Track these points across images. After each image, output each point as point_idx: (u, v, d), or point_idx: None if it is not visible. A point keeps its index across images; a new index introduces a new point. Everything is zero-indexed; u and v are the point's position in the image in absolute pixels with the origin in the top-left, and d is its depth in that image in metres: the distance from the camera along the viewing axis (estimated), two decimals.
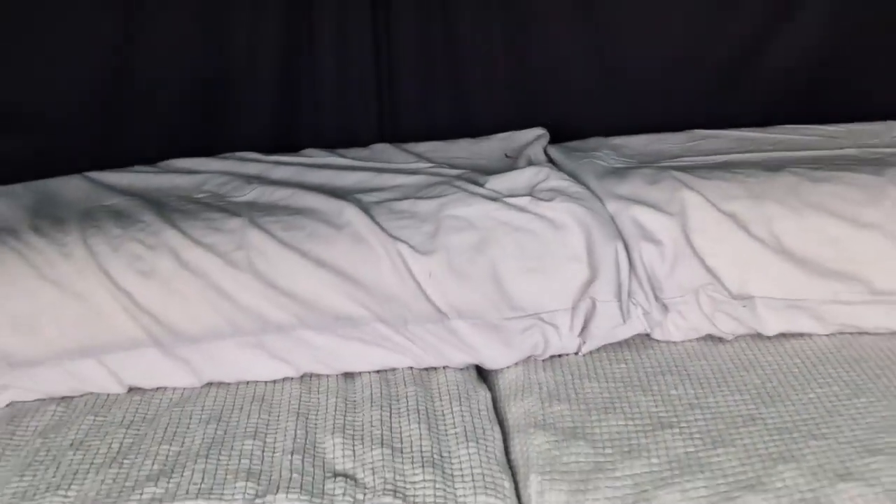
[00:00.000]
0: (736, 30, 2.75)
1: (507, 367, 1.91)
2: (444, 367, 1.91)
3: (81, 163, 2.48)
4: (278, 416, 1.77)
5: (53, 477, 1.62)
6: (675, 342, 1.95)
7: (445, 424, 1.75)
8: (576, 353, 1.92)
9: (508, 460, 1.69)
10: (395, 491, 1.56)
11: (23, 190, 2.28)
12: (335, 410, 1.79)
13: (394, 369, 1.90)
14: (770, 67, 2.75)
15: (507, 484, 1.60)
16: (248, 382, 1.88)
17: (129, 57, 2.60)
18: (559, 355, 1.92)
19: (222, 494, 1.55)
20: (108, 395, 1.86)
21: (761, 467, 1.55)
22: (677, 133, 2.51)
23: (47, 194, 2.25)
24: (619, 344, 1.94)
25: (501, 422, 1.79)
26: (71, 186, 2.28)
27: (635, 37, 2.72)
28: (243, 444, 1.68)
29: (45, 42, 2.62)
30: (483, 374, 1.94)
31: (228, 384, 1.88)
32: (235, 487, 1.57)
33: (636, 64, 2.73)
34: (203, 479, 1.59)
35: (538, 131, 2.46)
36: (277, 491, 1.55)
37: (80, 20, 2.59)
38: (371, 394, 1.84)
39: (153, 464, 1.64)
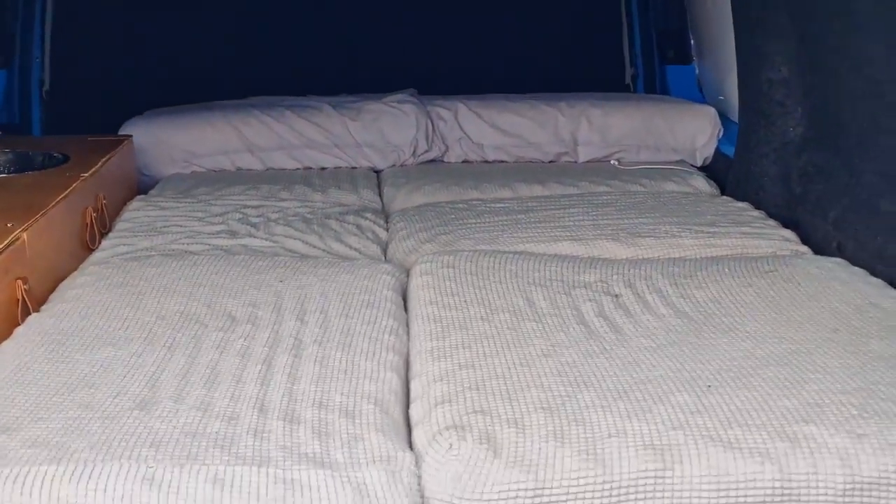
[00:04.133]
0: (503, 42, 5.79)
1: (385, 168, 4.91)
2: (360, 167, 4.92)
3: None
4: (295, 175, 4.76)
5: (222, 184, 4.60)
6: (450, 162, 4.97)
7: (359, 181, 4.70)
8: (412, 163, 4.92)
9: (380, 192, 4.65)
10: (337, 188, 4.53)
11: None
12: (318, 175, 4.78)
13: (339, 167, 4.91)
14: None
15: (376, 189, 4.59)
16: (283, 168, 4.88)
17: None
18: (404, 164, 4.93)
19: (278, 184, 4.52)
20: (227, 170, 4.86)
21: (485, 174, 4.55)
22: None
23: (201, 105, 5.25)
24: (429, 162, 4.96)
25: (379, 182, 4.77)
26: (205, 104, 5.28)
27: (471, 52, 5.77)
28: (281, 179, 4.66)
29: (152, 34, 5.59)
30: (376, 171, 4.94)
31: (276, 168, 4.88)
32: (282, 183, 4.54)
33: (473, 63, 5.75)
34: (277, 182, 4.56)
35: (412, 90, 5.43)
36: (295, 184, 4.53)
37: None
38: (331, 173, 4.83)
39: (253, 183, 4.61)
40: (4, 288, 2.93)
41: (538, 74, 5.79)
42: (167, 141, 4.81)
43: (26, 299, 3.02)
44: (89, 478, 2.13)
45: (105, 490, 2.12)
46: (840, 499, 2.17)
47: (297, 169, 4.89)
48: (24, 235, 3.08)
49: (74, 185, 3.65)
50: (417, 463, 2.27)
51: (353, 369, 2.65)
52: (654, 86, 5.85)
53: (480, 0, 5.81)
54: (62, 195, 3.52)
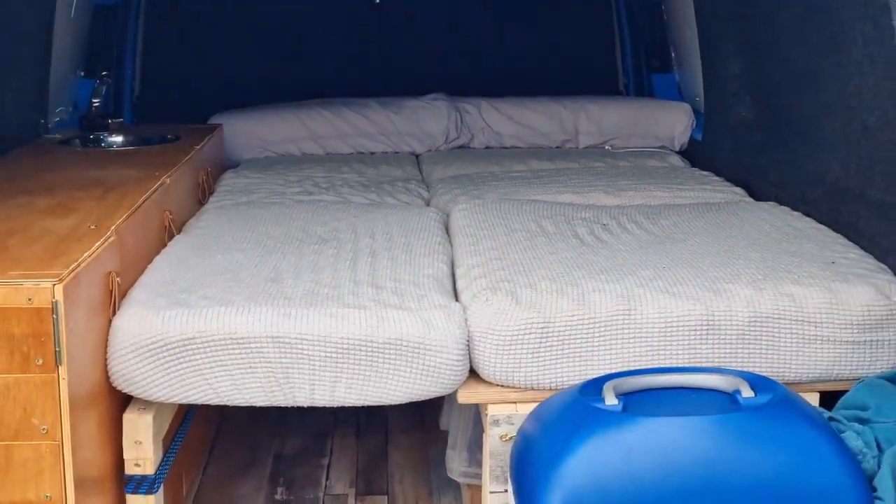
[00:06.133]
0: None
1: (422, 152, 6.05)
2: (402, 151, 6.06)
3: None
4: (350, 157, 5.89)
5: (292, 163, 5.74)
6: (475, 147, 6.11)
7: (403, 161, 5.84)
8: (444, 148, 6.07)
9: (420, 169, 5.77)
10: (385, 165, 5.67)
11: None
12: (369, 157, 5.91)
13: (385, 151, 6.06)
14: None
15: (416, 167, 5.73)
16: (340, 153, 6.02)
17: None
18: (438, 149, 6.06)
19: (338, 163, 5.66)
20: (294, 154, 6.00)
21: None
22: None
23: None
24: (458, 147, 6.10)
25: (418, 162, 5.90)
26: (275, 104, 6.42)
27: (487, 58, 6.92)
28: (339, 160, 5.80)
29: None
30: (415, 154, 6.08)
31: (334, 153, 6.01)
32: (341, 162, 5.67)
33: (490, 74, 6.89)
34: (336, 161, 5.70)
35: (443, 93, 6.55)
36: (352, 163, 5.66)
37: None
38: (379, 156, 5.97)
39: (317, 163, 5.75)
40: (159, 216, 4.05)
41: (546, 84, 6.90)
42: (246, 130, 5.95)
43: (171, 226, 4.15)
44: (248, 313, 3.24)
45: (259, 321, 3.23)
46: (746, 328, 3.26)
47: (352, 153, 6.02)
48: (168, 180, 4.21)
49: (192, 153, 4.79)
50: (464, 310, 3.37)
51: (415, 262, 3.76)
52: (642, 91, 6.96)
53: (496, 25, 6.95)
54: (186, 158, 4.65)
